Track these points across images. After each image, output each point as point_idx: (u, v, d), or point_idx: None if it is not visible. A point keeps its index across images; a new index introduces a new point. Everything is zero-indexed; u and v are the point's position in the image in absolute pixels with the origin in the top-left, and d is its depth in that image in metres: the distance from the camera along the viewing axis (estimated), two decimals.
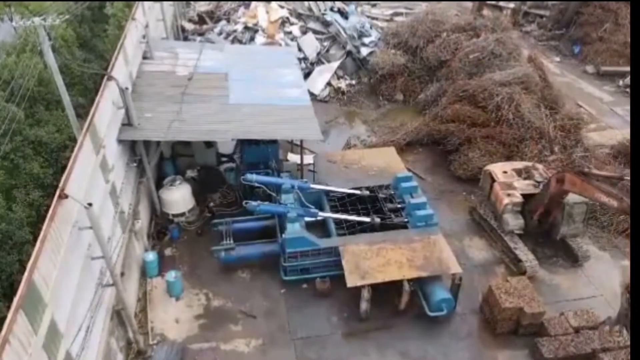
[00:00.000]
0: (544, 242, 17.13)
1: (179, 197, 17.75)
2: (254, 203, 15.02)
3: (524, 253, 16.12)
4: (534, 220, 16.31)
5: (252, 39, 29.43)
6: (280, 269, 15.56)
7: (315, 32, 29.55)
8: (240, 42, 29.16)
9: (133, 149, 16.64)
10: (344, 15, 30.51)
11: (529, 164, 18.05)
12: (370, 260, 14.65)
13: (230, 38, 29.62)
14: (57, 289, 9.52)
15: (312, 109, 18.62)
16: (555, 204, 15.80)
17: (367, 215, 16.33)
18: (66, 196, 10.27)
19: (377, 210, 16.63)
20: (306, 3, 31.06)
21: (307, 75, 27.46)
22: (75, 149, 11.63)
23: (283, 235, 14.96)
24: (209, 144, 19.72)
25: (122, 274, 13.75)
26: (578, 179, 13.86)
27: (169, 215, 17.89)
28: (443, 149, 21.36)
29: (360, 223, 16.04)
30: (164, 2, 25.83)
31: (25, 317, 8.25)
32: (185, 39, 31.07)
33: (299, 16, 31.35)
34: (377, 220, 15.87)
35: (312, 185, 16.73)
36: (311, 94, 26.23)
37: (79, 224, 10.97)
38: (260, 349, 13.96)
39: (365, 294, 14.01)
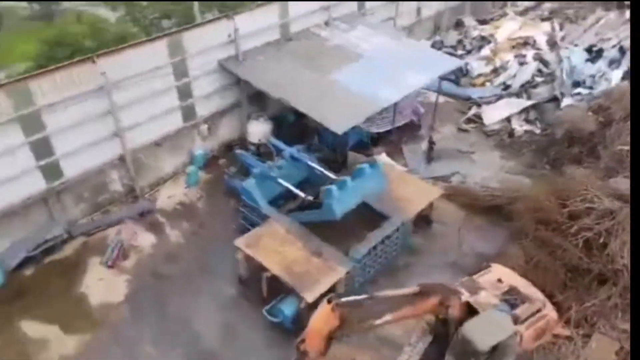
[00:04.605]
0: None
1: (257, 130, 21.71)
2: (240, 152, 17.96)
3: None
4: None
5: (479, 49, 28.35)
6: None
7: (543, 62, 25.90)
8: (465, 48, 28.55)
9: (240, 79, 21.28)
10: (597, 56, 25.13)
11: (541, 297, 13.46)
12: (271, 241, 15.50)
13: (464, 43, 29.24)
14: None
15: (371, 110, 18.80)
16: None
17: None
18: (94, 61, 16.23)
19: None
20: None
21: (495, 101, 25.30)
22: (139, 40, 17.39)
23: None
24: None
25: (158, 144, 19.52)
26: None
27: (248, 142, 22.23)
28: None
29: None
30: None
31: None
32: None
33: (552, 45, 27.71)
34: (309, 198, 15.89)
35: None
36: (479, 120, 24.72)
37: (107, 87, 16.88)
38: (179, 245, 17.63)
39: (240, 257, 15.34)
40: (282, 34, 22.43)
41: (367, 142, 22.15)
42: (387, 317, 10.18)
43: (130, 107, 17.88)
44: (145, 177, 19.68)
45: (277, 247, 15.38)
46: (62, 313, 15.09)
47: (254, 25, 20.71)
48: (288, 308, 14.12)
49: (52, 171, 16.95)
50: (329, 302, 9.33)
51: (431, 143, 22.02)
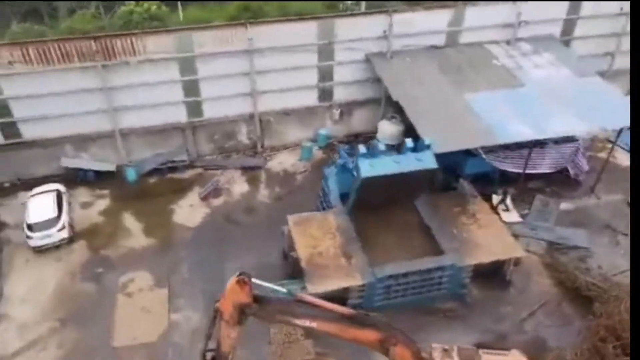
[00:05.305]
0: None
1: (385, 130, 21.61)
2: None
3: None
4: None
5: None
6: None
7: None
8: None
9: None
10: None
11: None
12: (316, 228, 15.76)
13: None
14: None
15: (485, 141, 16.85)
16: None
17: None
18: (246, 27, 18.78)
19: None
20: None
21: None
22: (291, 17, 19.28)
23: None
24: None
25: (287, 114, 21.51)
26: None
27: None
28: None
29: None
30: None
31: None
32: None
33: None
34: None
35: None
36: None
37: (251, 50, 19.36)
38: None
39: (285, 230, 16.18)
40: (448, 41, 21.49)
41: (493, 177, 19.80)
42: (309, 323, 9.74)
43: (269, 74, 20.07)
44: (270, 138, 21.95)
45: (318, 235, 15.66)
46: (152, 218, 18.59)
47: (414, 27, 20.45)
48: (291, 288, 14.42)
49: (194, 109, 20.55)
50: (239, 275, 9.48)
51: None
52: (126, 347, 14.20)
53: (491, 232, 15.89)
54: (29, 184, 19.36)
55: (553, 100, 18.87)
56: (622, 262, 16.67)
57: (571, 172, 20.32)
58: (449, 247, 15.17)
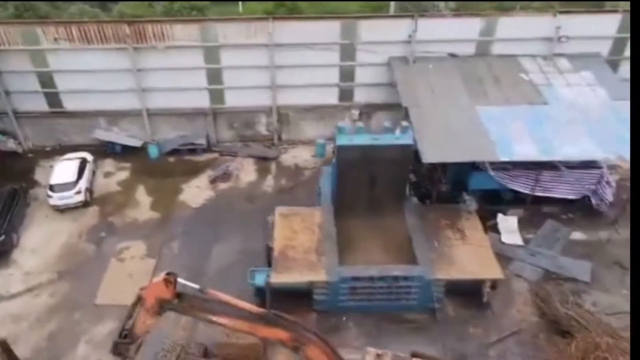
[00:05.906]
0: None
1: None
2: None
3: None
4: None
5: None
6: None
7: None
8: None
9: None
10: None
11: None
12: (299, 222, 16.20)
13: None
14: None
15: (484, 156, 16.17)
16: None
17: None
18: (269, 22, 19.45)
19: None
20: None
21: None
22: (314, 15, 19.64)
23: None
24: None
25: (307, 110, 21.99)
26: None
27: None
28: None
29: None
30: None
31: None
32: None
33: None
34: None
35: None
36: None
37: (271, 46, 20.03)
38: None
39: (270, 220, 16.62)
40: (478, 51, 20.80)
41: (504, 195, 18.92)
42: (223, 320, 10.08)
43: (290, 69, 20.63)
44: (288, 132, 22.53)
45: (298, 228, 16.03)
46: (161, 195, 19.92)
47: (441, 34, 20.03)
48: (259, 277, 14.93)
49: (217, 96, 21.61)
50: (167, 274, 9.95)
51: None
52: (105, 306, 15.44)
53: (474, 250, 15.35)
54: (66, 150, 21.44)
55: (574, 122, 17.73)
56: (622, 302, 15.36)
57: (593, 201, 18.89)
58: (423, 258, 14.87)
